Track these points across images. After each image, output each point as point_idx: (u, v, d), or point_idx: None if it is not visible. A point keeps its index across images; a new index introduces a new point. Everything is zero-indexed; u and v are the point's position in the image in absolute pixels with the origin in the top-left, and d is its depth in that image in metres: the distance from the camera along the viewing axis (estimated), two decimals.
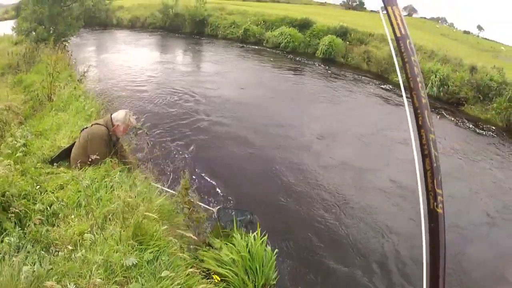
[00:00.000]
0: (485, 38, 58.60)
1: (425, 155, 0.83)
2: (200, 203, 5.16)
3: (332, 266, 4.81)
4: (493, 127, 12.00)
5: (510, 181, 8.22)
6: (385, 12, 0.89)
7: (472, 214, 6.69)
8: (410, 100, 0.84)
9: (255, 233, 4.03)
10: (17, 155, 3.91)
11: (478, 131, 11.61)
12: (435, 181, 0.83)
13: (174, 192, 4.61)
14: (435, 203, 0.84)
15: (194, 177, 6.47)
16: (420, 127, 0.82)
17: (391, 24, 0.87)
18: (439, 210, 0.84)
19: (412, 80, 0.84)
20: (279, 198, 6.23)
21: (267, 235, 4.15)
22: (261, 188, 6.55)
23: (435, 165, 0.83)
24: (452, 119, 12.50)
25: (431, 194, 0.84)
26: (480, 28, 73.54)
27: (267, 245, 4.06)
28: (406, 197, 6.51)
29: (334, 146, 8.87)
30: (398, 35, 0.86)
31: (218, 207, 5.13)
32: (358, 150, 8.75)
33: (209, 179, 6.50)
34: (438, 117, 12.63)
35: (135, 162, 4.71)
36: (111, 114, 4.15)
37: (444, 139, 10.10)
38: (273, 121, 9.89)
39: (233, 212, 5.21)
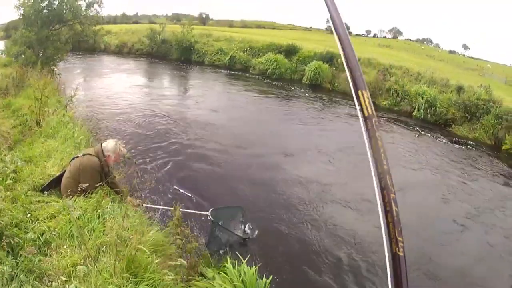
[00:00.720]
0: (471, 57, 61.14)
1: (387, 211, 1.04)
2: (193, 211, 5.41)
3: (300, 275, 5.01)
4: (476, 144, 12.53)
5: (484, 192, 8.76)
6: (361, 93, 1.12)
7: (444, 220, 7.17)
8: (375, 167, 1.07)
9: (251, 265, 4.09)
10: (7, 181, 3.86)
11: (459, 147, 12.18)
12: (396, 230, 1.04)
13: (162, 207, 4.94)
14: (397, 248, 1.04)
15: (179, 190, 6.92)
16: (383, 189, 1.04)
17: (360, 105, 1.09)
18: (401, 253, 1.04)
19: (376, 152, 1.07)
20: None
21: (255, 263, 4.20)
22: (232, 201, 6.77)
23: (395, 218, 1.04)
24: (438, 140, 12.86)
25: (394, 240, 1.04)
26: (465, 47, 76.35)
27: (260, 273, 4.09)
28: (368, 208, 6.84)
29: (300, 163, 9.23)
30: (366, 114, 1.08)
31: (211, 209, 5.29)
32: (324, 166, 9.16)
33: (190, 194, 6.81)
34: (416, 135, 13.12)
35: (126, 190, 4.78)
36: (101, 144, 4.20)
37: (425, 156, 10.74)
38: (247, 141, 10.38)
39: (225, 210, 5.59)
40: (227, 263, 3.99)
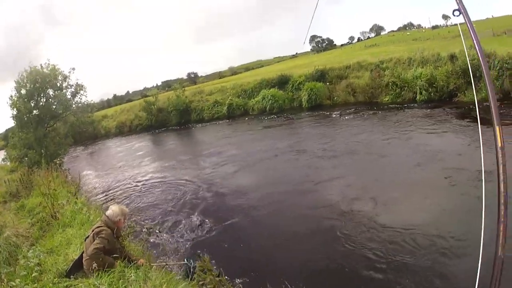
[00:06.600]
0: (454, 24, 61.11)
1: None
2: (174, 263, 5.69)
3: None
4: (485, 103, 12.39)
5: None
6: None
7: None
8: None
9: None
10: (33, 275, 3.97)
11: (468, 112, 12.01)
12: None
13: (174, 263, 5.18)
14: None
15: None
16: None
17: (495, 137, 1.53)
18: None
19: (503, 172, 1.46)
20: None
21: None
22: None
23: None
24: (448, 114, 12.63)
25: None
26: (445, 17, 75.12)
27: None
28: None
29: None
30: (500, 145, 1.56)
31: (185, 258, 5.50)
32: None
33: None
34: (425, 119, 12.76)
35: (134, 248, 4.87)
36: (105, 214, 4.25)
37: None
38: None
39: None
40: None
